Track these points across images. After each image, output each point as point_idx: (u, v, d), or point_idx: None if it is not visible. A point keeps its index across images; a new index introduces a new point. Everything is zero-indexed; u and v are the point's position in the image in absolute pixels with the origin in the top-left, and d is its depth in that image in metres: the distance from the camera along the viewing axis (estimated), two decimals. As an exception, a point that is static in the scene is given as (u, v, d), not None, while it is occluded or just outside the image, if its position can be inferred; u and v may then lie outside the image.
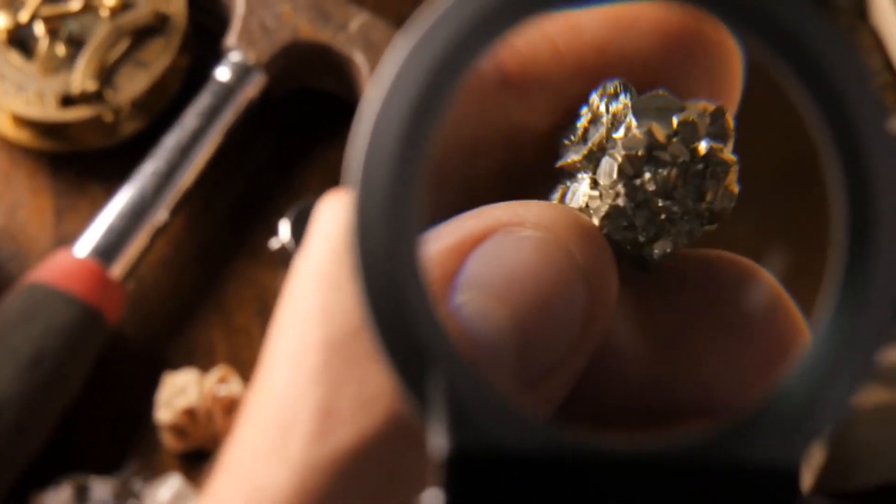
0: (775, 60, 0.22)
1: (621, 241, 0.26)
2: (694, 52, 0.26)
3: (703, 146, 0.26)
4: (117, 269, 0.66)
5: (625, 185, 0.26)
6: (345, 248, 0.21)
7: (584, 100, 0.26)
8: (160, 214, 0.68)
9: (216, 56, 0.72)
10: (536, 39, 0.26)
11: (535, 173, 0.26)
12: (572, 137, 0.26)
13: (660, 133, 0.26)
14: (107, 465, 0.64)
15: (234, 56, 0.71)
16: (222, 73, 0.71)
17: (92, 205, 0.70)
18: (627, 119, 0.26)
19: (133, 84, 0.71)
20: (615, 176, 0.26)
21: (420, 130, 0.21)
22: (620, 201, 0.25)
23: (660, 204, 0.26)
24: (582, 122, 0.26)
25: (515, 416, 0.21)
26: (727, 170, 0.26)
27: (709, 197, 0.26)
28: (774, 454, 0.21)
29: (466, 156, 0.26)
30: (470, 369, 0.21)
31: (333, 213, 0.25)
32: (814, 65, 0.22)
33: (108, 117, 0.71)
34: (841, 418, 0.22)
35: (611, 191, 0.26)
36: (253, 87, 0.71)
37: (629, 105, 0.26)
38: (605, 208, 0.26)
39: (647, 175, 0.25)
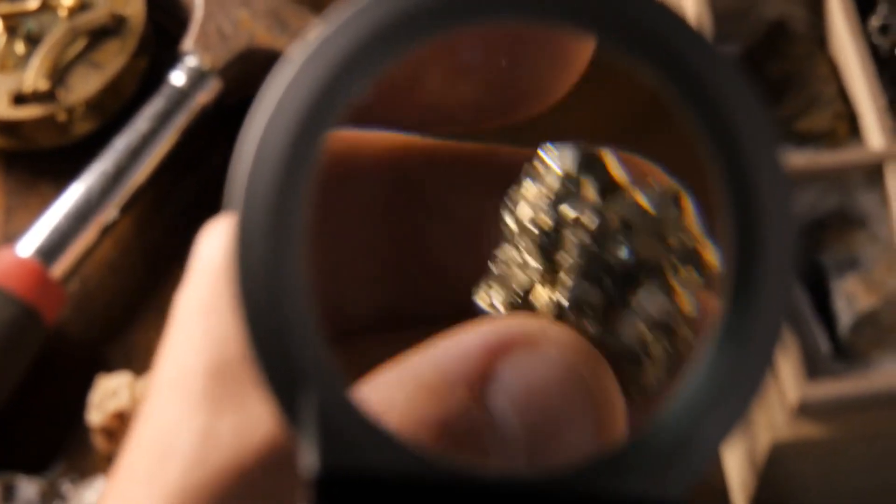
0: (671, 93, 0.22)
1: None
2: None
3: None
4: (59, 269, 0.66)
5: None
6: (226, 269, 0.21)
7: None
8: (109, 213, 0.68)
9: (177, 59, 0.72)
10: None
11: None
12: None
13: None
14: (38, 465, 0.64)
15: (190, 61, 0.71)
16: (177, 78, 0.71)
17: (43, 203, 0.70)
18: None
19: (86, 85, 0.71)
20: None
21: (305, 147, 0.21)
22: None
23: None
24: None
25: (385, 439, 0.21)
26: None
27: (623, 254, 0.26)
28: (647, 489, 0.21)
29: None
30: (343, 390, 0.21)
31: (215, 240, 0.25)
32: (706, 95, 0.21)
33: (62, 117, 0.71)
34: (716, 457, 0.21)
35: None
36: (207, 93, 0.70)
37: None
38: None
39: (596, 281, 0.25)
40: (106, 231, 0.68)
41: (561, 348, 0.23)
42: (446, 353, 0.22)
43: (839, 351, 0.62)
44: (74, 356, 0.68)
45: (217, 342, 0.24)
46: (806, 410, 0.59)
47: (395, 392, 0.22)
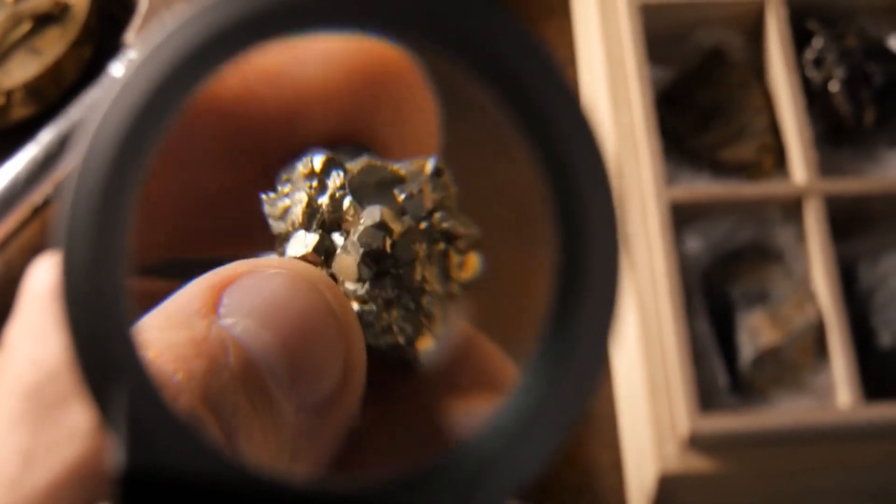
0: (495, 99, 0.21)
1: (381, 346, 0.26)
2: (381, 88, 0.27)
3: (441, 224, 0.25)
4: (-20, 253, 0.66)
5: (371, 287, 0.25)
6: (53, 281, 0.22)
7: (281, 149, 0.26)
8: (39, 197, 0.68)
9: (120, 50, 0.72)
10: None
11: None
12: (279, 206, 0.26)
13: (391, 219, 0.25)
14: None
15: (132, 53, 0.71)
16: (117, 69, 0.71)
17: (-22, 185, 0.70)
18: (347, 204, 0.26)
19: (24, 70, 0.71)
20: (357, 277, 0.26)
21: (129, 159, 0.22)
22: (368, 307, 0.25)
23: (411, 302, 0.25)
24: (286, 193, 0.26)
25: (194, 441, 0.21)
26: (466, 242, 0.26)
27: (454, 274, 0.26)
28: None
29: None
30: (155, 390, 0.21)
31: (43, 273, 0.26)
32: (530, 101, 0.21)
33: (0, 100, 0.71)
34: (529, 480, 0.21)
35: (358, 294, 0.26)
36: (145, 85, 0.71)
37: (345, 185, 0.26)
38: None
39: (392, 272, 0.25)
40: (35, 214, 0.68)
41: (284, 267, 0.25)
42: (182, 293, 0.25)
43: (737, 385, 0.61)
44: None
45: (35, 363, 0.25)
46: (697, 443, 0.58)
47: (150, 329, 0.24)
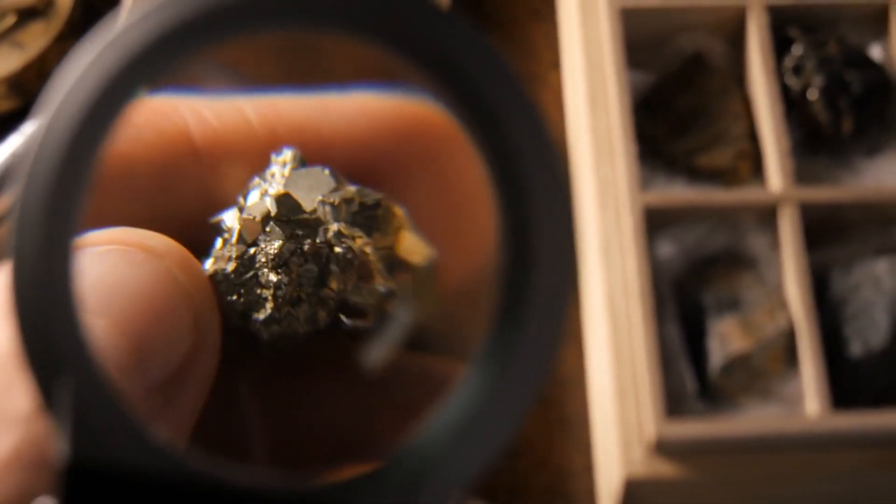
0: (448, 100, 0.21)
1: (229, 311, 0.25)
2: (414, 148, 0.26)
3: (332, 228, 0.25)
4: (-42, 244, 0.67)
5: (237, 251, 0.25)
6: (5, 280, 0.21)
7: None
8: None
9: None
10: (230, 114, 0.26)
11: None
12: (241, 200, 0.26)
13: (288, 204, 0.25)
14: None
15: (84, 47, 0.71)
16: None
17: (-39, 177, 0.71)
18: (274, 188, 0.26)
19: (7, 64, 0.71)
20: (233, 240, 0.25)
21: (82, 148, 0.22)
22: (229, 266, 0.25)
23: (271, 278, 0.25)
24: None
25: (138, 435, 0.21)
26: (353, 259, 0.25)
27: (333, 284, 0.25)
28: None
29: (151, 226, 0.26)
30: (101, 382, 0.21)
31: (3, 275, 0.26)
32: (486, 109, 0.21)
33: (-18, 93, 0.72)
34: (475, 478, 0.21)
35: (225, 254, 0.25)
36: (127, 80, 0.71)
37: (285, 176, 0.26)
38: (211, 271, 0.25)
39: (262, 245, 0.25)
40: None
41: (115, 240, 0.23)
42: None
43: (706, 391, 0.61)
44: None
45: None
46: (663, 448, 0.58)
47: None
